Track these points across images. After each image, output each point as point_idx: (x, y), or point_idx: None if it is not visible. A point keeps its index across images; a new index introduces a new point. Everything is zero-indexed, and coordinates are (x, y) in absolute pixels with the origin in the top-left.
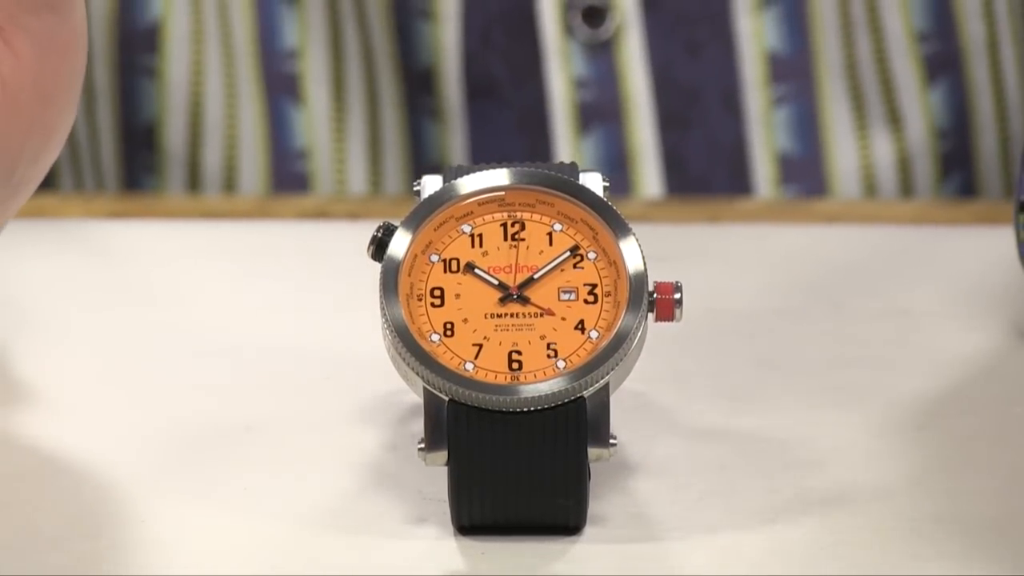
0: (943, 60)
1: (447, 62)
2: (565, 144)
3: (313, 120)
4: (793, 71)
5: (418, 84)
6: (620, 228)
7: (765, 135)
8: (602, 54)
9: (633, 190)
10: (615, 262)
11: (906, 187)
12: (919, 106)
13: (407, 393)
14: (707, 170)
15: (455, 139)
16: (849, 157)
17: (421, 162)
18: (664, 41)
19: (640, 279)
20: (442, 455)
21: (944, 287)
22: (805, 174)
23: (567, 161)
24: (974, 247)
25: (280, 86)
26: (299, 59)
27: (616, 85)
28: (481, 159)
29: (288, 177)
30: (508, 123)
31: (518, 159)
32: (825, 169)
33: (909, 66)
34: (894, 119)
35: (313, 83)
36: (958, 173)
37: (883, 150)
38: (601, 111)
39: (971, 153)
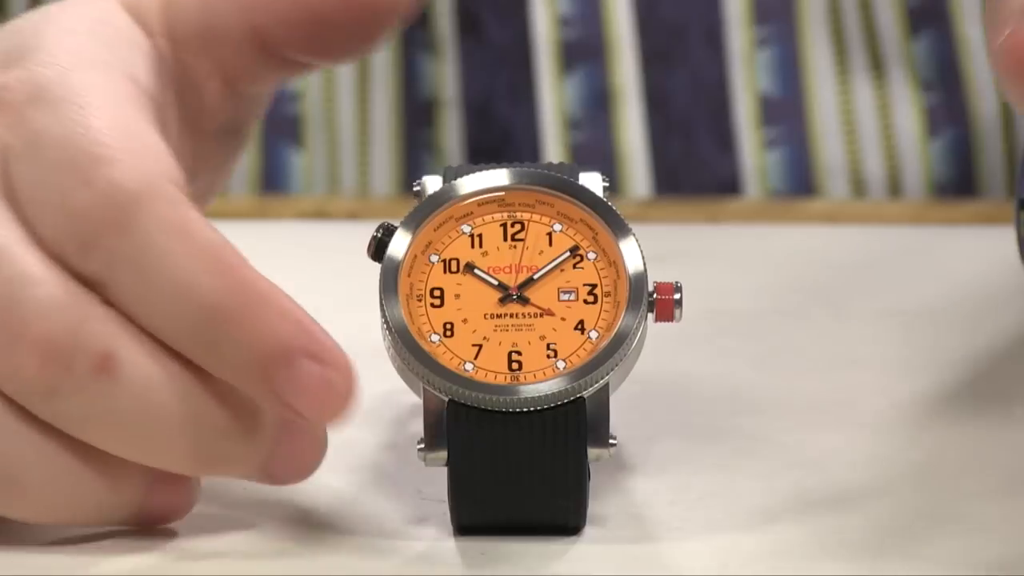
0: (928, 12)
1: None
2: (549, 82)
3: None
4: (776, 12)
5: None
6: (620, 228)
7: (747, 75)
8: None
9: (615, 130)
10: (615, 262)
11: (887, 133)
12: (902, 56)
13: (407, 393)
14: (689, 109)
15: (448, 71)
16: (829, 101)
17: (413, 99)
18: None
19: (640, 279)
20: (442, 455)
21: (943, 287)
22: (786, 116)
23: (563, 160)
24: (972, 247)
25: None
26: None
27: (600, 23)
28: (470, 94)
29: (280, 120)
30: (492, 61)
31: (504, 97)
32: (806, 112)
33: (892, 15)
34: (876, 66)
35: None
36: (949, 130)
37: (864, 96)
38: (585, 49)
39: (965, 112)
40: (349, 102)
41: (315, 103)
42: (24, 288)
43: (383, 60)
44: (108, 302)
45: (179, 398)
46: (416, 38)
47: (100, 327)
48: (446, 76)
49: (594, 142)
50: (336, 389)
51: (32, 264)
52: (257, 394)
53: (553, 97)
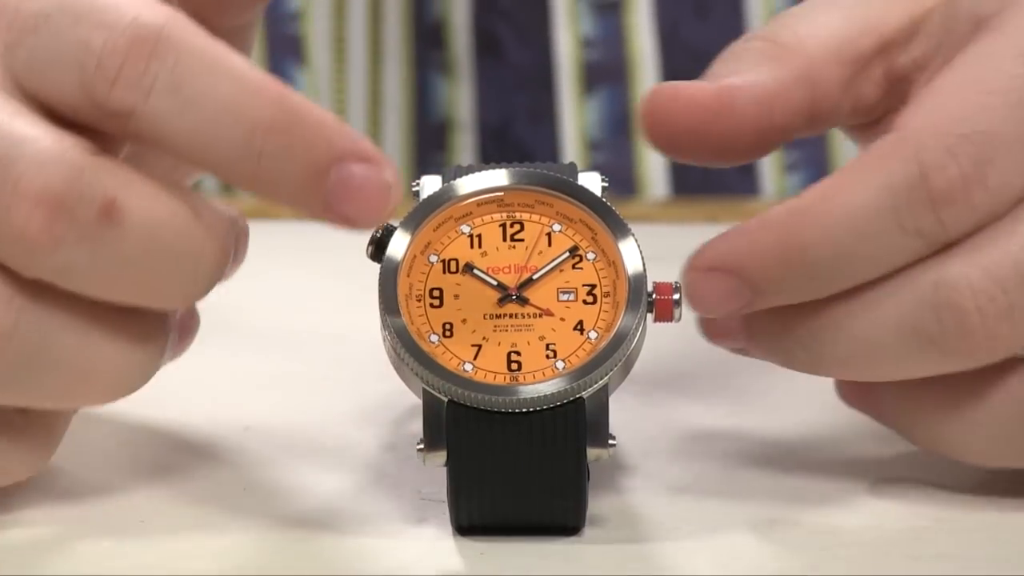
0: None
1: (456, 16)
2: (570, 104)
3: (316, 81)
4: None
5: (428, 38)
6: (619, 229)
7: None
8: (610, 14)
9: (636, 151)
10: (614, 262)
11: None
12: None
13: (406, 393)
14: None
15: (463, 93)
16: None
17: (425, 121)
18: (672, 2)
19: (639, 280)
20: (441, 455)
21: None
22: (807, 139)
23: (566, 161)
24: None
25: (284, 47)
26: (303, 20)
27: (623, 45)
28: (486, 116)
29: None
30: (511, 81)
31: (522, 118)
32: (827, 134)
33: None
34: None
35: (316, 45)
36: None
37: None
38: (607, 71)
39: None
40: (360, 122)
41: None
42: (16, 147)
43: (395, 81)
44: (133, 134)
45: (181, 235)
46: (430, 59)
47: (100, 175)
48: (461, 98)
49: (615, 164)
50: (385, 189)
51: (22, 125)
52: (306, 203)
53: (574, 118)
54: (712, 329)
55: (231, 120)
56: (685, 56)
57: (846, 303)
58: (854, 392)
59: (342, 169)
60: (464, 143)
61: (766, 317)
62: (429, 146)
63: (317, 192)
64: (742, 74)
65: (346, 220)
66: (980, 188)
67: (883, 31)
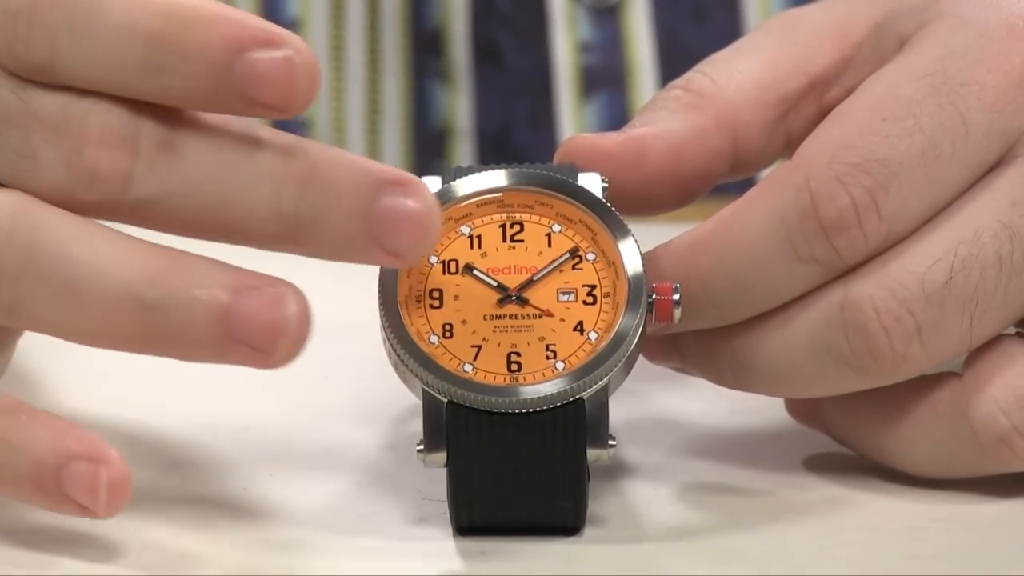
0: None
1: (455, 23)
2: (568, 109)
3: None
4: None
5: (426, 46)
6: (619, 229)
7: None
8: (608, 19)
9: None
10: (614, 263)
11: None
12: None
13: (406, 393)
14: None
15: (461, 101)
16: None
17: (423, 129)
18: (670, 7)
19: (639, 280)
20: (441, 456)
21: None
22: None
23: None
24: None
25: None
26: (301, 29)
27: (621, 50)
28: (485, 123)
29: None
30: (511, 87)
31: (521, 124)
32: None
33: None
34: None
35: (314, 53)
36: None
37: None
38: (606, 76)
39: None
40: (358, 131)
41: (324, 131)
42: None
43: (393, 90)
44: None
45: (242, 159)
46: (429, 67)
47: (159, 112)
48: (459, 105)
49: None
50: (296, 68)
51: None
52: (225, 99)
53: (573, 124)
54: (649, 350)
55: (129, 40)
56: (683, 61)
57: (762, 324)
58: (800, 408)
59: (243, 57)
60: (463, 150)
61: (693, 339)
62: (428, 154)
63: (229, 83)
64: (655, 123)
65: (265, 109)
66: (873, 216)
67: (810, 71)
